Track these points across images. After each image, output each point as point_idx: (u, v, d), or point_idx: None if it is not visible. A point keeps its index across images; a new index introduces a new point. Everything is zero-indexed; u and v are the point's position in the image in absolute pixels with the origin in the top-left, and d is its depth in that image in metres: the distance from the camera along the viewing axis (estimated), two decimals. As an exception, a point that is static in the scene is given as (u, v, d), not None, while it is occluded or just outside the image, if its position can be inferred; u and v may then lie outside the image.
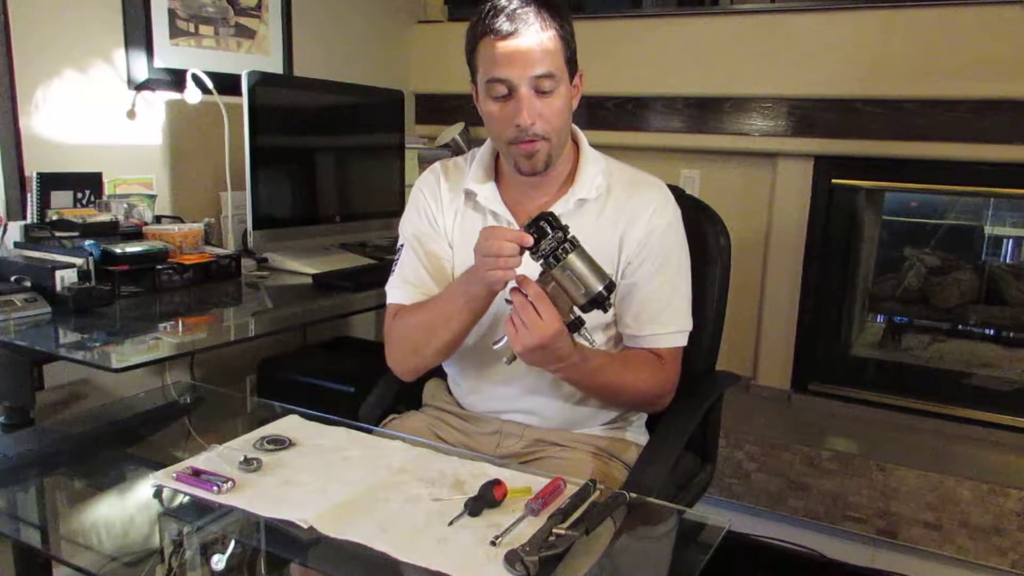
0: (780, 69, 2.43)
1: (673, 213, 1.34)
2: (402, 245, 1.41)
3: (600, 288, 1.11)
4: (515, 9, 1.19)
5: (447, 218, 1.39)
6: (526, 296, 1.12)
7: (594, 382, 1.27)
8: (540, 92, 1.21)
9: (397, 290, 1.39)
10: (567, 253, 1.10)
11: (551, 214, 1.12)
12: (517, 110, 1.21)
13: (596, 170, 1.34)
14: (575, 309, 1.13)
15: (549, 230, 1.11)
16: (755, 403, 2.60)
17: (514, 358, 1.17)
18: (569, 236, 1.11)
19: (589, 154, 1.36)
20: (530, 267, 1.14)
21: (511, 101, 1.22)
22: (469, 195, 1.37)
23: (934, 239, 2.74)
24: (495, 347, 1.18)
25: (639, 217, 1.31)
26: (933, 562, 2.15)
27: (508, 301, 1.15)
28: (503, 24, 1.19)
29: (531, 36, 1.19)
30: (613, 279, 1.14)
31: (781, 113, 2.47)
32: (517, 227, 1.32)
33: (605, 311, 1.14)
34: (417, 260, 1.38)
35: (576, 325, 1.14)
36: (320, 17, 2.61)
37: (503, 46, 1.19)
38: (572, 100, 1.29)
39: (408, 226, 1.41)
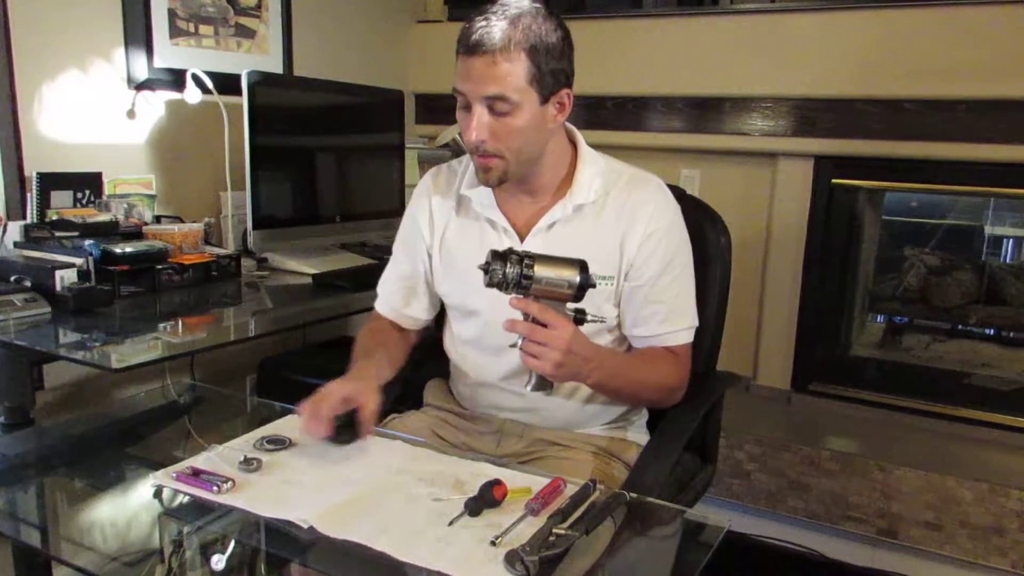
0: (780, 69, 2.43)
1: (673, 211, 1.34)
2: (394, 252, 1.48)
3: (578, 276, 1.12)
4: (485, 26, 1.17)
5: (436, 229, 1.40)
6: (529, 318, 1.12)
7: (620, 381, 1.27)
8: (494, 111, 1.20)
9: (379, 298, 1.49)
10: (532, 268, 1.10)
11: (493, 252, 1.12)
12: (469, 125, 1.22)
13: (594, 172, 1.33)
14: (568, 306, 1.15)
15: (503, 262, 1.10)
16: (755, 403, 2.60)
17: (550, 386, 1.18)
18: (522, 253, 1.11)
19: (587, 156, 1.34)
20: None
21: (470, 113, 1.22)
22: (463, 200, 1.37)
23: (934, 239, 2.74)
24: (529, 390, 1.18)
25: (639, 218, 1.30)
26: (933, 562, 2.15)
27: (512, 346, 1.15)
28: (470, 38, 1.18)
29: (489, 57, 1.17)
30: (580, 259, 1.14)
31: (781, 113, 2.46)
32: (515, 234, 1.33)
33: (594, 287, 1.15)
34: (395, 271, 1.46)
35: (580, 319, 1.16)
36: (320, 17, 2.61)
37: (462, 61, 1.20)
38: (554, 118, 1.26)
39: (399, 239, 1.48)
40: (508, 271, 1.10)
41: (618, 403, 1.38)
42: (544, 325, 1.11)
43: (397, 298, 1.46)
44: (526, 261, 1.10)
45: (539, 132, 1.25)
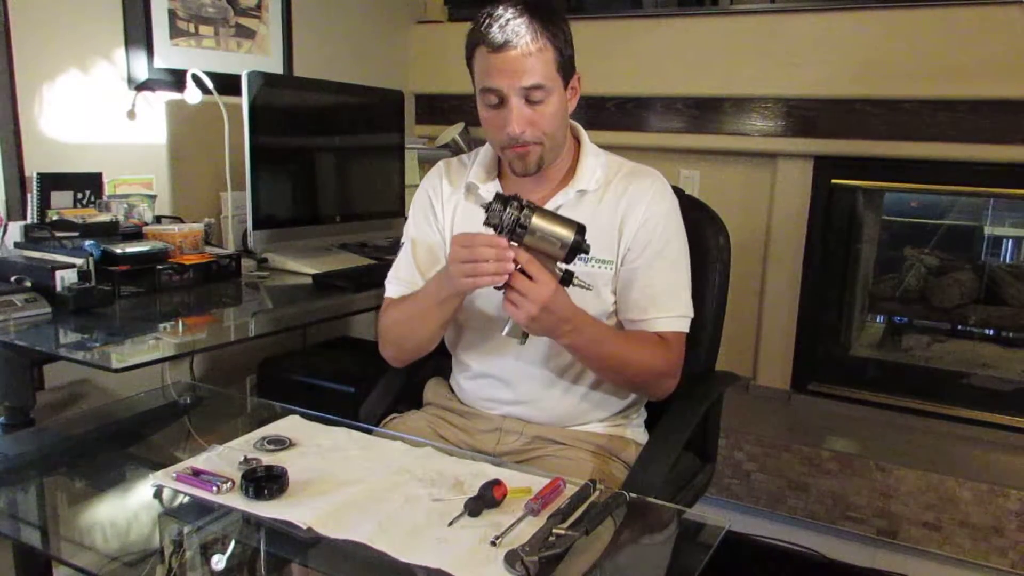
0: (780, 69, 2.43)
1: (671, 200, 1.38)
2: (403, 243, 1.47)
3: (573, 235, 1.14)
4: (508, 20, 1.22)
5: (446, 213, 1.43)
6: (515, 267, 1.14)
7: (600, 351, 1.28)
8: (531, 101, 1.25)
9: (391, 285, 1.45)
10: (529, 218, 1.13)
11: (498, 194, 1.16)
12: (507, 119, 1.25)
13: (596, 163, 1.38)
14: (559, 265, 1.17)
15: (503, 205, 1.13)
16: (755, 403, 2.60)
17: (525, 336, 1.20)
18: (525, 202, 1.14)
19: (590, 149, 1.39)
20: None
21: (503, 109, 1.26)
22: (471, 188, 1.39)
23: (934, 239, 2.74)
24: (504, 334, 1.21)
25: (637, 204, 1.34)
26: (933, 562, 2.15)
27: (497, 288, 1.17)
28: (495, 35, 1.22)
29: (521, 49, 1.22)
30: (579, 222, 1.16)
31: (781, 113, 2.47)
32: None
33: (587, 253, 1.17)
34: (412, 258, 1.43)
35: (567, 280, 1.18)
36: (320, 17, 2.61)
37: (494, 58, 1.23)
38: (568, 103, 1.32)
39: (409, 224, 1.47)
40: (506, 213, 1.13)
41: (603, 377, 1.37)
42: (529, 277, 1.14)
43: (416, 273, 1.42)
44: (525, 210, 1.13)
45: (565, 116, 1.32)
